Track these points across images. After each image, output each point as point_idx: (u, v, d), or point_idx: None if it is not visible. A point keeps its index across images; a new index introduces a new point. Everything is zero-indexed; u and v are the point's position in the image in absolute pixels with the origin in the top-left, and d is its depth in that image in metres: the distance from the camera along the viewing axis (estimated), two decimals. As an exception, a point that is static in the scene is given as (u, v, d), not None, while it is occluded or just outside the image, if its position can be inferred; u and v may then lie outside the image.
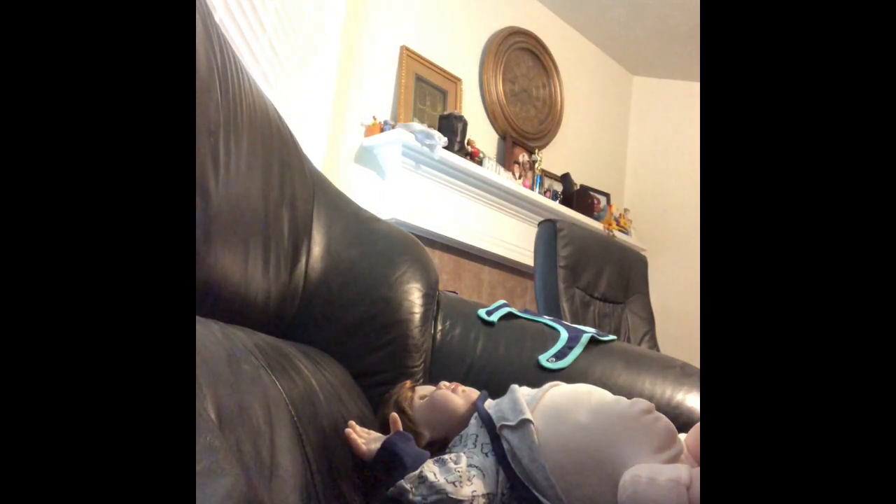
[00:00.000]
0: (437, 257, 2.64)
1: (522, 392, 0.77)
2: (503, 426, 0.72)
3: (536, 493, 0.67)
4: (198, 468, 0.39)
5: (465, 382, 0.87)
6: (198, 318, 0.63)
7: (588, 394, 0.76)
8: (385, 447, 0.71)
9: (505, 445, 0.70)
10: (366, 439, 0.74)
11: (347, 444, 0.74)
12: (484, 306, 1.14)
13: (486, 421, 0.74)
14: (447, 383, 0.85)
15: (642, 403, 0.72)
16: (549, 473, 0.67)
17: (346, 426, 0.77)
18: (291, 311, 0.93)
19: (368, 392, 0.94)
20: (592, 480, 0.67)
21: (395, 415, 0.78)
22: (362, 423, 0.81)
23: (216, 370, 0.58)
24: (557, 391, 0.77)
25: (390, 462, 0.69)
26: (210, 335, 0.63)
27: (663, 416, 0.73)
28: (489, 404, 0.78)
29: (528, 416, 0.72)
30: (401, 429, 0.76)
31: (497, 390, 0.83)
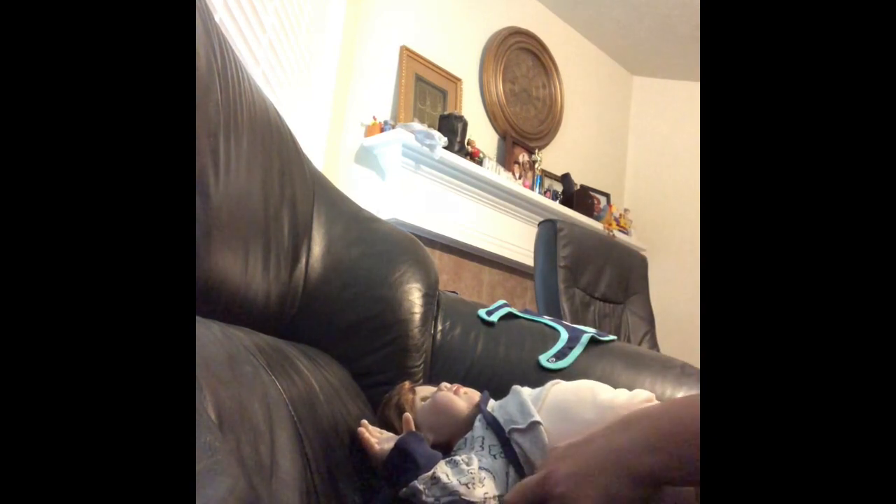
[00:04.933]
0: (437, 257, 2.64)
1: (525, 392, 0.77)
2: (512, 430, 0.72)
3: None
4: (198, 468, 0.39)
5: (465, 383, 0.87)
6: (198, 318, 0.63)
7: (590, 390, 0.76)
8: (398, 447, 0.71)
9: (517, 449, 0.70)
10: (378, 439, 0.74)
11: (359, 444, 0.74)
12: (484, 306, 1.14)
13: (493, 424, 0.74)
14: (448, 385, 0.84)
15: (643, 394, 0.74)
16: None
17: (351, 426, 0.76)
18: (291, 311, 0.93)
19: (368, 392, 0.94)
20: None
21: (408, 415, 0.78)
22: (380, 422, 0.80)
23: (216, 370, 0.58)
24: (560, 389, 0.77)
25: (403, 462, 0.69)
26: (210, 335, 0.63)
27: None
28: (492, 406, 0.78)
29: (537, 417, 0.71)
30: (413, 429, 0.76)
31: (498, 390, 0.83)
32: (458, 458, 0.68)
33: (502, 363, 1.02)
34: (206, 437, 0.43)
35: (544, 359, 1.00)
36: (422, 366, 1.02)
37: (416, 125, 2.47)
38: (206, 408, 0.51)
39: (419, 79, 2.74)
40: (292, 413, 0.69)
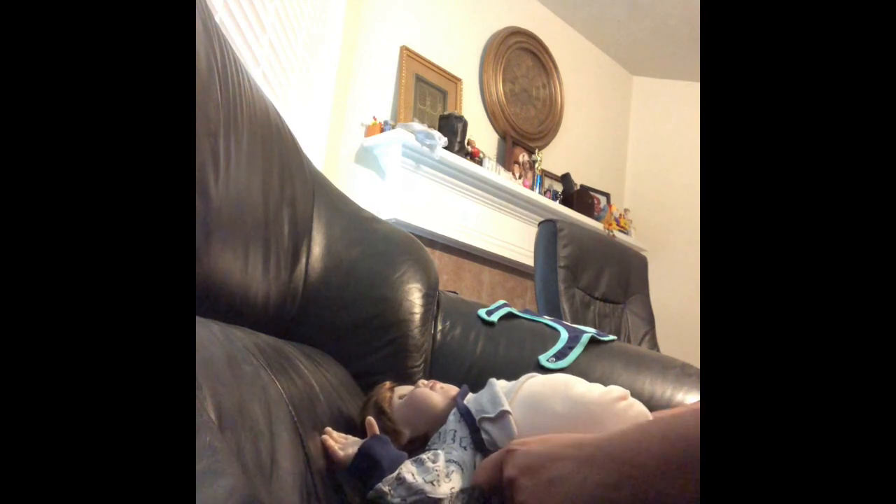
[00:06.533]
0: (437, 257, 2.64)
1: (500, 384, 0.78)
2: (483, 419, 0.73)
3: None
4: (198, 468, 0.39)
5: (465, 382, 0.87)
6: (198, 318, 0.63)
7: (564, 383, 0.76)
8: (362, 451, 0.71)
9: (485, 437, 0.71)
10: (342, 444, 0.74)
11: (323, 451, 0.73)
12: (484, 306, 1.14)
13: (466, 415, 0.74)
14: (425, 381, 0.85)
15: (616, 391, 0.74)
16: None
17: (337, 429, 0.76)
18: (291, 311, 0.93)
19: (368, 392, 0.94)
20: None
21: (370, 419, 0.78)
22: (361, 424, 0.80)
23: (216, 370, 0.58)
24: (535, 381, 0.78)
25: (368, 466, 0.70)
26: (210, 335, 0.63)
27: (638, 402, 0.74)
28: (468, 399, 0.79)
29: (507, 407, 0.72)
30: (377, 432, 0.76)
31: (496, 390, 0.83)
32: (423, 456, 0.69)
33: (502, 363, 1.02)
34: (206, 437, 0.43)
35: (544, 359, 1.00)
36: (422, 366, 1.02)
37: (416, 125, 2.48)
38: (206, 408, 0.52)
39: (419, 79, 2.74)
40: (292, 413, 0.69)
